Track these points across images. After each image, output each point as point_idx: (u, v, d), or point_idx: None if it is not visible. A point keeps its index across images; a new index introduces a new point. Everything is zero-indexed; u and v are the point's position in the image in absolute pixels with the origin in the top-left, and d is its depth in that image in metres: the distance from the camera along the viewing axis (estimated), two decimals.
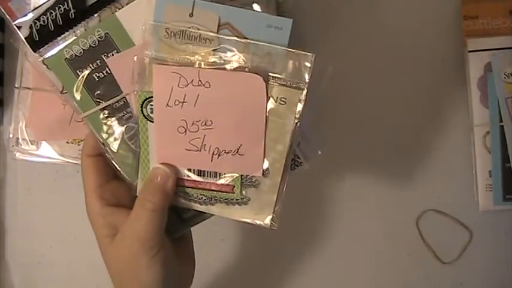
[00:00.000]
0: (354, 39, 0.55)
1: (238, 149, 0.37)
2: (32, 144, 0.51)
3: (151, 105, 0.37)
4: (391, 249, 0.56)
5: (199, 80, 0.36)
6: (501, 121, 0.51)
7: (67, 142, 0.51)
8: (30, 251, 0.57)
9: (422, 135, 0.55)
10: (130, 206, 0.38)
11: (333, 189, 0.56)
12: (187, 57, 0.36)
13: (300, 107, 0.36)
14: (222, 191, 0.39)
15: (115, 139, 0.40)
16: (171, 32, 0.36)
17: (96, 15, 0.39)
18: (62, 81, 0.40)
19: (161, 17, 0.36)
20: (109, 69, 0.39)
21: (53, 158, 0.52)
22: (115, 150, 0.40)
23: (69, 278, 0.57)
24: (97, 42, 0.39)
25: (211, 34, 0.36)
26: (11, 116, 0.52)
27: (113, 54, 0.39)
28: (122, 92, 0.39)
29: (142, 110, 0.38)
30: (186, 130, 0.37)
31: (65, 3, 0.38)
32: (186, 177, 0.39)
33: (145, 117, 0.38)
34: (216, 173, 0.39)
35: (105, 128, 0.40)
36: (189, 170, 0.39)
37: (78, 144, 0.51)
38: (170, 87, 0.36)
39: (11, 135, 0.52)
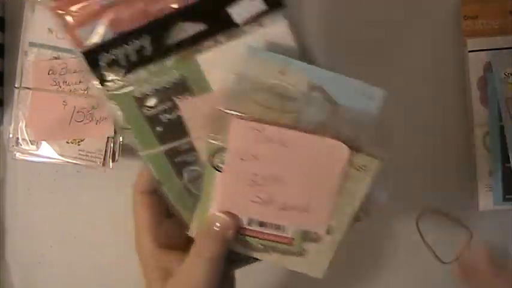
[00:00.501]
0: (353, 39, 0.55)
1: (304, 206, 0.37)
2: (32, 144, 0.52)
3: (222, 155, 0.36)
4: (391, 249, 0.56)
5: (279, 139, 0.35)
6: (501, 121, 0.51)
7: (67, 142, 0.51)
8: (30, 251, 0.57)
9: (422, 135, 0.55)
10: (183, 246, 0.37)
11: None
12: (270, 114, 0.35)
13: (376, 175, 0.36)
14: (280, 242, 0.38)
15: (174, 180, 0.39)
16: (257, 86, 0.34)
17: (174, 55, 0.36)
18: (126, 116, 0.38)
19: (249, 70, 0.34)
20: (179, 112, 0.37)
21: (53, 158, 0.52)
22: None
23: (69, 278, 0.57)
24: (171, 83, 0.37)
25: (299, 94, 0.34)
26: (11, 116, 0.52)
27: (186, 97, 0.37)
28: (188, 136, 0.38)
29: (211, 159, 0.36)
30: (255, 183, 0.36)
31: (141, 39, 0.36)
32: (245, 226, 0.38)
33: (214, 167, 0.36)
34: (278, 225, 0.38)
35: (165, 168, 0.39)
36: (250, 219, 0.38)
37: (78, 144, 0.51)
38: (247, 141, 0.35)
39: (11, 135, 0.52)
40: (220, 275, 0.36)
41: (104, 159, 0.52)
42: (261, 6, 0.35)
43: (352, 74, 0.52)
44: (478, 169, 0.52)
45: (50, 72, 0.50)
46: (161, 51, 0.36)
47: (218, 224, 0.37)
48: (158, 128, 0.38)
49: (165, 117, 0.38)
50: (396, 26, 0.54)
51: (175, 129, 0.38)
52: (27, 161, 0.52)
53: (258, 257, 0.39)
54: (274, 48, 0.35)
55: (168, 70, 0.37)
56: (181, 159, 0.38)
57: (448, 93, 0.55)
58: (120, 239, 0.56)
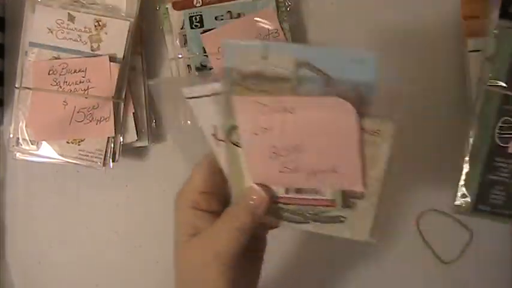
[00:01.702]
0: (353, 39, 0.55)
1: (333, 168, 0.37)
2: (32, 144, 0.52)
3: (237, 132, 0.36)
4: (391, 249, 0.56)
5: (284, 107, 0.34)
6: None
7: (67, 142, 0.51)
8: (30, 251, 0.57)
9: (422, 135, 0.55)
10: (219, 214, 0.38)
11: None
12: (266, 96, 0.35)
13: (394, 137, 0.36)
14: (323, 206, 0.39)
15: None
16: (247, 74, 0.35)
17: None
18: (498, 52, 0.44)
19: (233, 60, 0.35)
20: None
21: (53, 158, 0.52)
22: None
23: (69, 278, 0.57)
24: None
25: (289, 74, 0.34)
26: (11, 116, 0.52)
27: None
28: None
29: (229, 137, 0.37)
30: (277, 155, 0.37)
31: None
32: (284, 195, 0.39)
33: (234, 144, 0.37)
34: (315, 189, 0.38)
35: None
36: (287, 189, 0.39)
37: (79, 144, 0.51)
38: (255, 116, 0.35)
39: (11, 135, 0.52)
40: (244, 245, 0.37)
41: (104, 159, 0.52)
42: None
43: None
44: None
45: (50, 72, 0.50)
46: None
47: (254, 197, 0.38)
48: None
49: None
50: (396, 26, 0.54)
51: None
52: (27, 161, 0.52)
53: (298, 229, 0.40)
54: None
55: None
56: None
57: (448, 93, 0.55)
58: (120, 239, 0.56)
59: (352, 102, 0.34)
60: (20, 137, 0.51)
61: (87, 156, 0.52)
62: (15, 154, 0.52)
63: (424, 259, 0.55)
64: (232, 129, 0.36)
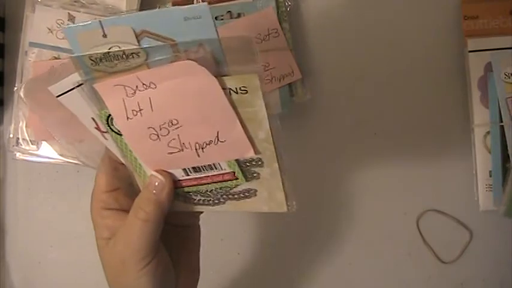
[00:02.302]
0: (354, 39, 0.55)
1: (217, 137, 0.36)
2: (32, 144, 0.52)
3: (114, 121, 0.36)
4: (391, 249, 0.56)
5: (143, 84, 0.33)
6: (501, 121, 0.51)
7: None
8: (30, 251, 0.57)
9: (422, 135, 0.55)
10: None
11: (331, 191, 0.56)
12: (124, 76, 0.34)
13: (262, 90, 0.33)
14: (225, 180, 0.38)
15: None
16: (96, 58, 0.33)
17: None
18: None
19: (79, 47, 0.33)
20: None
21: (53, 158, 0.52)
22: None
23: (69, 278, 0.57)
24: None
25: (134, 47, 0.32)
26: (11, 116, 0.52)
27: None
28: None
29: (110, 127, 0.36)
30: (158, 136, 0.36)
31: None
32: (185, 178, 0.38)
33: (116, 133, 0.36)
34: (210, 165, 0.37)
35: None
36: (185, 170, 0.38)
37: None
38: (121, 99, 0.34)
39: (11, 135, 0.52)
40: (156, 237, 0.37)
41: None
42: None
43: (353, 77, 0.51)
44: (478, 169, 0.52)
45: None
46: None
47: (156, 184, 0.37)
48: None
49: None
50: (396, 26, 0.55)
51: None
52: (27, 161, 0.52)
53: (217, 211, 0.39)
54: None
55: None
56: None
57: (448, 93, 0.55)
58: None
59: (204, 63, 0.32)
60: (20, 137, 0.51)
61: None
62: (15, 154, 0.52)
63: (424, 259, 0.55)
64: (109, 117, 0.35)
